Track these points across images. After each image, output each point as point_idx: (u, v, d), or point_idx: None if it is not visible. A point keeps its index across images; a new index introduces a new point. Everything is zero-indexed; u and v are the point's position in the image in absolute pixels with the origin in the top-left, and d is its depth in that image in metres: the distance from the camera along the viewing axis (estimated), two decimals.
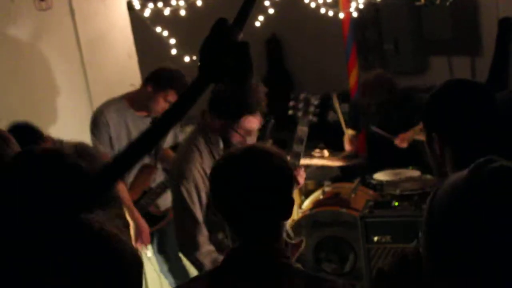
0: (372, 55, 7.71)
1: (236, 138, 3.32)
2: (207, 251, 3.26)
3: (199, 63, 1.21)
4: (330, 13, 6.09)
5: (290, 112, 3.67)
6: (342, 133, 5.64)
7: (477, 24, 6.90)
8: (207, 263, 3.24)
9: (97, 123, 4.27)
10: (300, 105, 3.65)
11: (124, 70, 5.22)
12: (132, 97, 4.39)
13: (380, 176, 5.05)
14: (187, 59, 5.55)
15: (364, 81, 5.49)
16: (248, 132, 3.33)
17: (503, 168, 1.28)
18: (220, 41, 1.19)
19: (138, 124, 4.32)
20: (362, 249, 4.59)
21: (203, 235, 3.27)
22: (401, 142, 5.10)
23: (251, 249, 1.94)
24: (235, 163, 1.96)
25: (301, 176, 3.51)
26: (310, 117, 3.63)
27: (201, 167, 3.30)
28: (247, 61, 1.21)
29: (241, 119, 3.28)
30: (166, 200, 4.43)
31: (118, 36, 5.31)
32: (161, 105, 4.24)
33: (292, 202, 2.00)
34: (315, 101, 3.68)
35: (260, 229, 1.94)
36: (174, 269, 4.56)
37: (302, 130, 3.58)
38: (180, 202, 3.30)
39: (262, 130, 3.40)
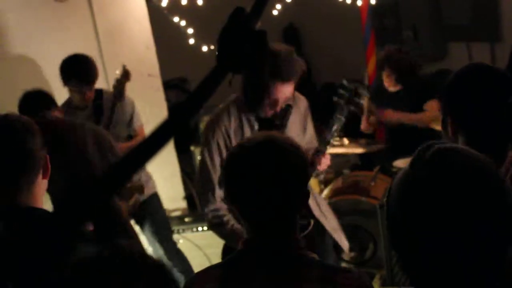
0: (391, 42, 7.64)
1: (268, 111, 3.32)
2: (214, 207, 3.33)
3: (217, 53, 1.21)
4: (348, 1, 6.06)
5: (335, 99, 3.61)
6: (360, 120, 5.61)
7: (497, 9, 6.82)
8: (211, 217, 3.35)
9: None
10: (346, 94, 3.56)
11: (142, 61, 5.24)
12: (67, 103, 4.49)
13: (399, 163, 5.01)
14: (204, 48, 5.56)
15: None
16: (276, 102, 3.30)
17: (439, 151, 1.31)
18: (238, 30, 1.19)
19: (79, 116, 4.37)
20: (381, 238, 4.57)
21: (215, 195, 3.34)
22: (385, 116, 5.12)
23: (265, 240, 1.92)
24: (248, 155, 1.93)
25: (324, 163, 3.48)
26: (351, 107, 3.56)
27: (225, 131, 3.34)
28: (265, 50, 1.20)
29: (271, 87, 3.25)
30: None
31: (135, 26, 5.32)
32: (76, 96, 4.36)
33: (307, 194, 1.98)
34: (363, 91, 3.62)
35: (274, 221, 1.92)
36: (171, 253, 4.60)
37: (338, 118, 3.53)
38: (202, 162, 3.39)
39: (281, 118, 3.38)
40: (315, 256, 1.97)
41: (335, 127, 3.52)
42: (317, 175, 3.52)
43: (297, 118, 3.61)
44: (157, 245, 4.55)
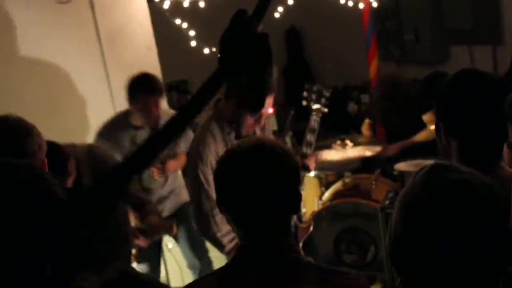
0: (393, 45, 7.65)
1: (248, 122, 3.41)
2: (226, 230, 3.33)
3: (218, 55, 1.21)
4: (350, 3, 6.06)
5: (304, 103, 3.78)
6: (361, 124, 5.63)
7: (499, 12, 6.82)
8: (226, 242, 3.36)
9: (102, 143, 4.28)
10: (313, 96, 3.79)
11: (143, 63, 5.23)
12: (127, 112, 4.40)
13: (400, 166, 5.02)
14: (206, 50, 5.56)
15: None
16: (260, 116, 3.40)
17: (431, 168, 1.32)
18: (240, 32, 1.19)
19: (138, 137, 4.31)
20: (382, 241, 4.57)
21: (220, 216, 3.32)
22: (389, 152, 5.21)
23: (259, 245, 1.90)
24: (238, 160, 1.91)
25: (312, 164, 3.74)
26: (322, 108, 3.79)
27: (215, 152, 3.39)
28: (266, 52, 1.21)
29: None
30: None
31: (137, 28, 5.33)
32: (140, 111, 4.26)
33: (299, 197, 1.96)
34: (326, 93, 3.83)
35: (267, 225, 1.90)
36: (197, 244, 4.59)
37: (314, 120, 3.73)
38: (197, 185, 3.41)
39: (282, 122, 3.42)
40: (310, 259, 1.96)
41: (312, 129, 3.76)
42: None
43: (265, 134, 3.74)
44: (195, 261, 4.59)
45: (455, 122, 2.07)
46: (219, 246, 3.44)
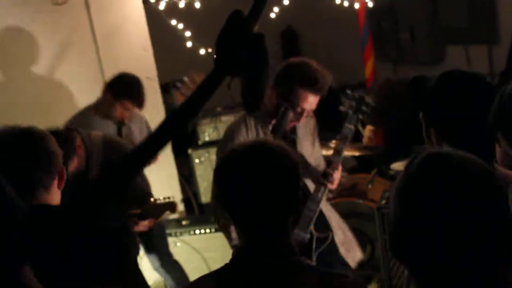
0: (388, 45, 7.66)
1: (288, 117, 3.38)
2: None
3: (214, 56, 1.21)
4: (346, 3, 6.07)
5: (342, 108, 3.66)
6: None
7: (494, 12, 6.83)
8: (235, 236, 3.34)
9: None
10: (353, 103, 3.63)
11: (139, 63, 5.24)
12: (94, 106, 4.43)
13: (397, 166, 5.03)
14: (202, 51, 5.56)
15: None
16: (302, 111, 3.38)
17: (430, 155, 1.33)
18: (236, 33, 1.19)
19: (107, 127, 4.36)
20: (379, 240, 4.58)
21: None
22: None
23: (259, 247, 1.91)
24: (238, 161, 1.92)
25: (337, 174, 3.53)
26: (360, 116, 3.62)
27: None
28: (263, 53, 1.21)
29: (296, 95, 3.36)
30: None
31: (133, 29, 5.33)
32: (119, 112, 4.32)
33: (299, 199, 1.96)
34: (369, 100, 3.66)
35: (267, 227, 1.90)
36: (167, 265, 4.58)
37: (349, 127, 3.56)
38: None
39: (278, 122, 3.40)
40: (309, 262, 1.96)
41: (344, 137, 3.56)
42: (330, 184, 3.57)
43: (307, 134, 3.69)
44: (154, 257, 4.57)
45: (446, 126, 2.07)
46: (228, 237, 3.47)
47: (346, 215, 4.81)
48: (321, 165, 3.73)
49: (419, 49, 7.35)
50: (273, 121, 3.37)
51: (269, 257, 1.89)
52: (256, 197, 1.87)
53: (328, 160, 3.54)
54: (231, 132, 3.48)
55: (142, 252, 4.52)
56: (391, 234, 1.39)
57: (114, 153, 3.51)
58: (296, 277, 1.87)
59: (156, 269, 4.62)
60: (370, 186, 4.92)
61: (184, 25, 5.55)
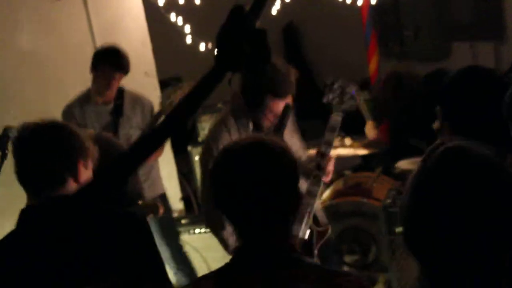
0: (392, 41, 7.65)
1: (265, 121, 3.42)
2: (232, 230, 3.33)
3: (215, 52, 1.20)
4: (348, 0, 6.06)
5: (324, 100, 3.65)
6: (362, 121, 5.61)
7: (501, 7, 6.81)
8: (231, 243, 3.33)
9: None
10: (336, 93, 3.61)
11: (138, 59, 5.21)
12: (88, 89, 4.46)
13: (402, 164, 5.00)
14: (202, 47, 5.54)
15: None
16: (273, 116, 3.40)
17: (448, 149, 1.34)
18: (237, 28, 1.18)
19: (100, 112, 4.40)
20: (384, 241, 4.56)
21: None
22: None
23: (258, 246, 1.89)
24: (235, 158, 1.90)
25: (330, 166, 3.50)
26: (344, 105, 3.59)
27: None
28: (264, 49, 1.19)
29: (269, 103, 3.37)
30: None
31: (131, 24, 5.31)
32: (102, 82, 4.34)
33: (298, 197, 1.95)
34: (350, 90, 3.63)
35: (266, 227, 1.89)
36: (176, 256, 4.61)
37: (335, 118, 3.53)
38: (206, 180, 3.40)
39: (280, 119, 3.39)
40: (311, 260, 1.94)
41: (332, 127, 3.52)
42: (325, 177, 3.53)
43: (292, 127, 3.69)
44: (164, 247, 4.56)
45: (461, 121, 2.07)
46: (224, 244, 3.46)
47: (349, 214, 4.80)
48: (303, 157, 3.74)
49: (424, 46, 7.34)
50: (271, 117, 3.39)
51: (269, 256, 1.87)
52: (254, 198, 1.85)
53: (321, 153, 3.49)
54: (213, 134, 3.49)
55: None
56: (406, 228, 1.39)
57: (105, 151, 3.47)
58: (297, 276, 1.85)
59: (165, 260, 4.63)
60: (375, 185, 4.89)
61: (183, 20, 5.53)
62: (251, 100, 3.40)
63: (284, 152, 1.92)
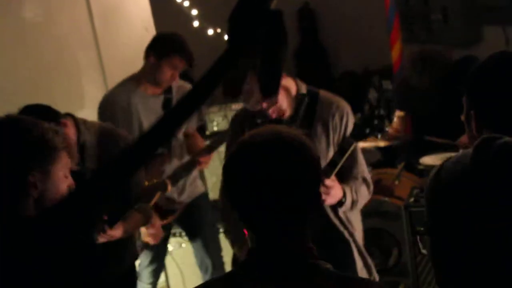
0: (418, 26, 7.62)
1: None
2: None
3: (227, 35, 1.21)
4: None
5: (358, 116, 3.54)
6: (383, 113, 5.60)
7: None
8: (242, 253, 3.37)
9: (101, 112, 4.34)
10: (366, 115, 3.47)
11: (141, 45, 5.20)
12: (137, 75, 4.42)
13: (427, 160, 4.99)
14: (210, 31, 5.56)
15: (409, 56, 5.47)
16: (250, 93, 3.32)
17: (508, 145, 1.31)
18: (252, 10, 1.18)
19: (149, 104, 4.37)
20: (406, 242, 4.57)
21: None
22: (462, 144, 5.01)
23: (272, 249, 1.89)
24: (250, 153, 1.89)
25: (327, 192, 3.24)
26: (369, 130, 3.44)
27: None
28: (281, 31, 1.20)
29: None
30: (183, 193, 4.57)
31: (133, 7, 5.33)
32: (168, 74, 4.30)
33: (318, 196, 1.95)
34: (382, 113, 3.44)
35: (282, 228, 1.88)
36: (209, 245, 4.72)
37: (349, 141, 3.32)
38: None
39: (295, 110, 3.39)
40: (329, 266, 1.94)
41: (342, 149, 3.31)
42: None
43: (324, 132, 3.46)
44: (206, 256, 4.69)
45: (488, 110, 2.07)
46: (232, 245, 3.52)
47: (369, 214, 4.80)
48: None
49: (452, 31, 7.30)
50: (285, 107, 3.36)
51: (283, 260, 1.87)
52: (269, 198, 1.85)
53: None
54: (232, 123, 3.53)
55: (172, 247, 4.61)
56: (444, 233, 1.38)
57: (111, 144, 3.51)
58: (312, 282, 1.85)
59: (196, 253, 4.74)
60: (396, 182, 4.90)
61: (190, 2, 5.55)
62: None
63: (304, 148, 1.91)
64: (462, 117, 2.21)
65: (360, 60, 8.19)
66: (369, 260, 3.59)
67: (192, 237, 4.72)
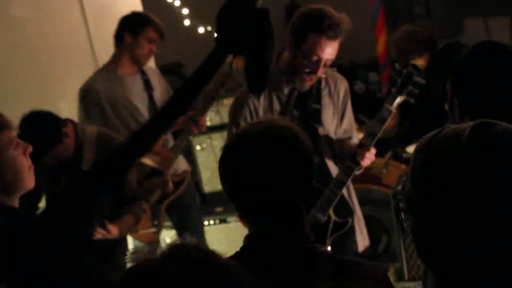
0: (402, 18, 7.63)
1: (302, 69, 3.32)
2: None
3: (216, 33, 1.21)
4: None
5: (388, 87, 3.58)
6: (370, 105, 5.60)
7: None
8: None
9: (86, 100, 4.31)
10: (399, 80, 3.35)
11: None
12: (112, 61, 4.42)
13: (413, 149, 4.99)
14: (201, 30, 5.55)
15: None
16: (319, 62, 3.30)
17: (508, 131, 1.29)
18: (239, 8, 1.18)
19: (130, 84, 4.38)
20: (395, 229, 4.58)
21: None
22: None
23: (269, 235, 1.90)
24: (245, 145, 1.90)
25: (368, 158, 3.38)
26: (404, 97, 3.36)
27: (254, 108, 3.39)
28: (267, 29, 1.20)
29: (310, 42, 3.30)
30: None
31: (125, 6, 5.31)
32: (146, 48, 4.32)
33: (311, 185, 1.95)
34: (418, 79, 3.33)
35: (277, 217, 1.89)
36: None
37: (387, 108, 3.35)
38: None
39: (285, 102, 3.38)
40: (325, 250, 1.94)
41: (381, 118, 3.37)
42: (358, 170, 3.46)
43: (331, 102, 3.56)
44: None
45: (472, 98, 2.07)
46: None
47: (359, 202, 4.81)
48: (355, 139, 3.67)
49: (435, 23, 7.31)
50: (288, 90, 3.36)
51: (280, 245, 1.88)
52: (264, 186, 1.86)
53: (361, 143, 3.42)
54: (238, 100, 3.49)
55: (169, 239, 4.58)
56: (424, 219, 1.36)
57: (109, 149, 3.51)
58: (310, 266, 1.86)
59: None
60: (384, 171, 4.91)
61: (181, 1, 5.54)
62: (295, 40, 3.33)
63: (297, 140, 1.91)
64: (446, 106, 2.21)
65: (347, 54, 8.19)
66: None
67: (181, 229, 4.70)
